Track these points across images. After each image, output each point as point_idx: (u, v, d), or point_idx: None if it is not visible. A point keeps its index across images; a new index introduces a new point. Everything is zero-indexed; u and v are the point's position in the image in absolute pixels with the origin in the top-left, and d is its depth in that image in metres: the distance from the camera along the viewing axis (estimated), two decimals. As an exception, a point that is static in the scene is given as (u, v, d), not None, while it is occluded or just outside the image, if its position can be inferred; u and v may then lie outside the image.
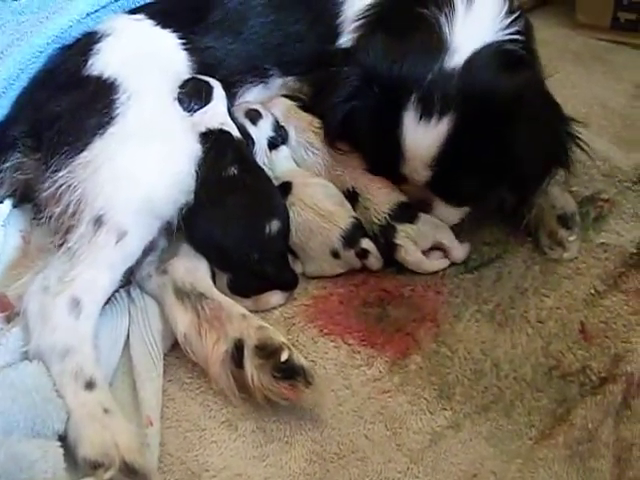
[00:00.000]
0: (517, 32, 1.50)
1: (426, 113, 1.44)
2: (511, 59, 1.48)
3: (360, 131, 1.55)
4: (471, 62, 1.45)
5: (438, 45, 1.46)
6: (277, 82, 1.75)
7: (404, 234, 1.52)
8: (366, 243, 1.53)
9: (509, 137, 1.42)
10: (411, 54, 1.46)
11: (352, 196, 1.59)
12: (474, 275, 1.56)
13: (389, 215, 1.54)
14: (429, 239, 1.53)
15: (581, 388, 1.33)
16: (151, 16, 1.66)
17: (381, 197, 1.56)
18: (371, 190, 1.57)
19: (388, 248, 1.53)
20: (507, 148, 1.42)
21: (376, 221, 1.55)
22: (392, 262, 1.55)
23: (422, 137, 1.46)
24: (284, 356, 1.25)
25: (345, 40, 1.66)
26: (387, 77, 1.46)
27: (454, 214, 1.59)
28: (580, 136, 1.52)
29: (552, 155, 1.51)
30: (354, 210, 1.57)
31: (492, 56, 1.46)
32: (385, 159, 1.54)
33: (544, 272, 1.56)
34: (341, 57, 1.57)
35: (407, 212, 1.55)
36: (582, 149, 1.53)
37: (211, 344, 1.33)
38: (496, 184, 1.54)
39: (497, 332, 1.44)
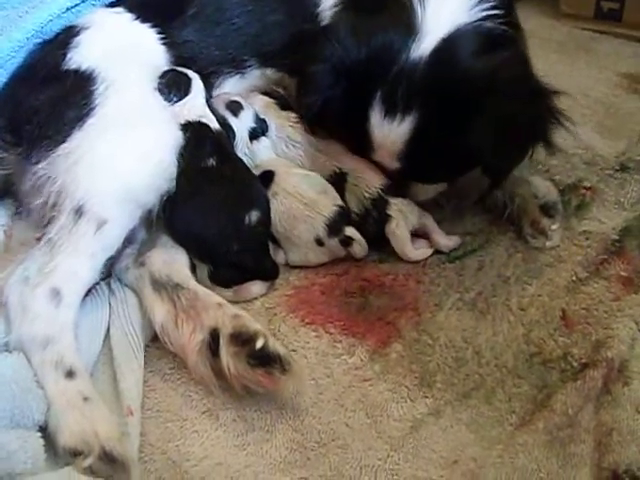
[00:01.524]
0: (494, 7, 1.47)
1: (390, 111, 1.44)
2: (487, 39, 1.46)
3: (334, 120, 1.56)
4: (438, 51, 1.43)
5: (407, 30, 1.44)
6: (255, 73, 1.74)
7: (396, 207, 1.54)
8: (350, 231, 1.53)
9: (474, 128, 1.40)
10: (379, 41, 1.45)
11: (340, 177, 1.60)
12: (456, 264, 1.57)
13: (381, 189, 1.55)
14: (416, 217, 1.55)
15: (562, 374, 1.34)
16: (130, 9, 1.66)
17: (371, 174, 1.58)
18: (359, 169, 1.59)
19: (380, 220, 1.54)
20: (476, 138, 1.41)
21: (368, 195, 1.56)
22: (378, 243, 1.56)
23: (387, 133, 1.47)
24: (259, 343, 1.25)
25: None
26: (354, 70, 1.46)
27: (430, 190, 1.60)
28: (561, 110, 1.49)
29: (524, 137, 1.50)
30: (343, 190, 1.58)
31: (464, 40, 1.45)
32: (358, 147, 1.56)
33: (526, 260, 1.57)
34: (313, 37, 1.56)
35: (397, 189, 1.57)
36: (562, 124, 1.50)
37: (188, 334, 1.32)
38: (467, 169, 1.55)
39: (479, 320, 1.44)
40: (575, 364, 1.35)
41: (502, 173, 1.53)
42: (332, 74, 1.49)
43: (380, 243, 1.55)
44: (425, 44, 1.43)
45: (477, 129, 1.40)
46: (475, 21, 1.46)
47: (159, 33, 1.64)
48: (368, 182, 1.56)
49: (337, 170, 1.61)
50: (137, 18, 1.64)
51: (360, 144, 1.55)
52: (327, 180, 1.61)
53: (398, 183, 1.57)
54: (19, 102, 1.51)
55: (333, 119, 1.56)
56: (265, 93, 1.76)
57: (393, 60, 1.43)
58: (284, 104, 1.73)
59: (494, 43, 1.46)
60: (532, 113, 1.46)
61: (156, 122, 1.50)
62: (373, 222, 1.55)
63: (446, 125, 1.42)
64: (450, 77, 1.43)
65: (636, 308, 1.45)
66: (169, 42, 1.64)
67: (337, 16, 1.60)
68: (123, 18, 1.64)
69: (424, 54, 1.43)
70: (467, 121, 1.40)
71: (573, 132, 1.52)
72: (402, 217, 1.53)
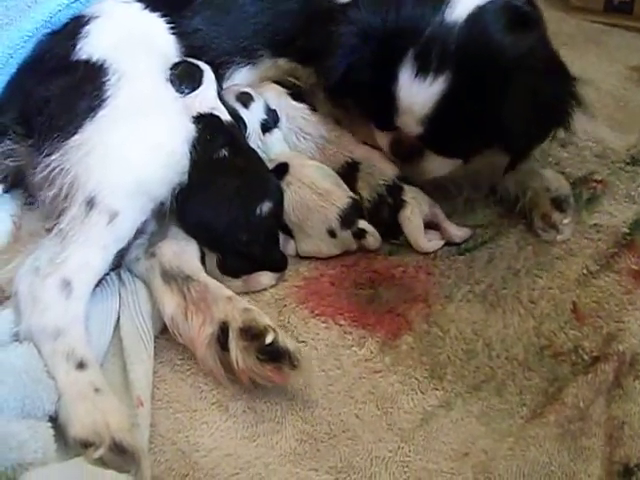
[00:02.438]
0: None
1: (422, 70, 1.43)
2: (516, 16, 1.45)
3: (358, 85, 1.54)
4: (474, 17, 1.42)
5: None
6: (267, 63, 1.73)
7: (410, 195, 1.54)
8: (363, 224, 1.53)
9: (505, 100, 1.40)
10: (409, 6, 1.45)
11: (351, 166, 1.60)
12: (466, 256, 1.56)
13: (396, 177, 1.56)
14: (427, 206, 1.55)
15: (573, 367, 1.34)
16: None
17: (384, 163, 1.59)
18: (372, 159, 1.60)
19: (395, 207, 1.54)
20: (502, 111, 1.41)
21: (382, 182, 1.56)
22: (390, 232, 1.56)
23: (416, 94, 1.45)
24: (269, 338, 1.24)
25: None
26: (383, 30, 1.46)
27: (445, 165, 1.57)
28: (583, 96, 1.49)
29: (549, 118, 1.49)
30: (355, 179, 1.58)
31: (497, 12, 1.44)
32: (380, 111, 1.54)
33: (537, 253, 1.57)
34: (335, 14, 1.55)
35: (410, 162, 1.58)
36: (583, 111, 1.50)
37: (197, 326, 1.32)
38: (489, 143, 1.53)
39: (489, 312, 1.44)
40: (586, 357, 1.35)
41: (523, 151, 1.52)
42: (359, 36, 1.48)
43: (392, 231, 1.56)
44: (459, 10, 1.42)
45: (507, 101, 1.40)
46: None
47: (169, 22, 1.63)
48: (382, 170, 1.57)
49: (349, 160, 1.61)
50: (146, 7, 1.64)
51: (383, 110, 1.52)
52: (338, 171, 1.61)
53: (412, 156, 1.56)
54: (29, 93, 1.50)
55: (356, 85, 1.54)
56: (277, 83, 1.75)
57: (426, 23, 1.43)
58: (296, 95, 1.72)
59: (522, 21, 1.45)
60: (559, 94, 1.46)
61: (168, 114, 1.49)
62: (387, 209, 1.55)
63: (477, 92, 1.41)
64: (486, 45, 1.43)
65: (647, 302, 1.44)
66: (179, 31, 1.64)
67: None
68: (132, 7, 1.64)
69: (459, 19, 1.42)
70: (498, 91, 1.40)
71: (586, 123, 1.52)
72: (416, 204, 1.53)
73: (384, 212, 1.56)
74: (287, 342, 1.26)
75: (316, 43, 1.59)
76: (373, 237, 1.54)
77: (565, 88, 1.48)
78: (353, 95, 1.61)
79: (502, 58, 1.41)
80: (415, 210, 1.53)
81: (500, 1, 1.45)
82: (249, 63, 1.72)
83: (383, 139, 1.60)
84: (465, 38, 1.42)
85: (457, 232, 1.58)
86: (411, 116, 1.49)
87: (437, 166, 1.57)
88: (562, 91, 1.47)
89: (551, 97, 1.45)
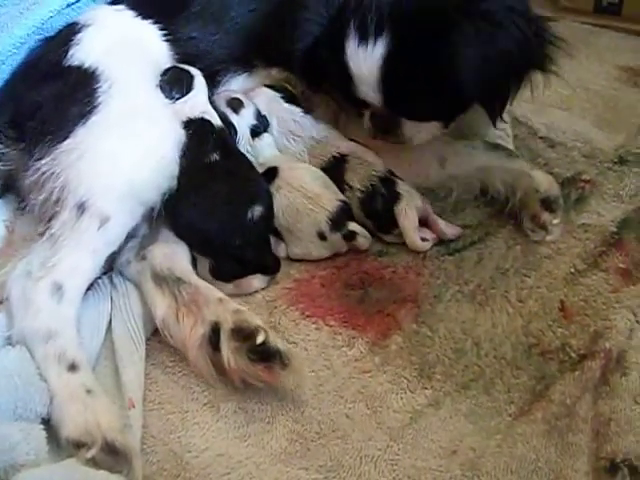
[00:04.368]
0: None
1: (362, 38, 1.45)
2: None
3: (324, 68, 1.59)
4: None
5: None
6: (261, 72, 1.75)
7: (404, 187, 1.56)
8: (353, 226, 1.55)
9: (452, 51, 1.39)
10: None
11: (339, 160, 1.63)
12: (455, 257, 1.57)
13: (388, 171, 1.58)
14: (420, 200, 1.57)
15: (560, 365, 1.35)
16: (132, 7, 1.66)
17: (372, 157, 1.62)
18: (359, 152, 1.63)
19: (389, 198, 1.55)
20: (451, 63, 1.40)
21: (375, 173, 1.58)
22: (385, 226, 1.58)
23: (363, 62, 1.47)
24: (260, 339, 1.25)
25: None
26: (330, 9, 1.52)
27: (424, 129, 1.58)
28: (555, 34, 1.48)
29: (516, 63, 1.46)
30: (344, 171, 1.60)
31: None
32: (345, 88, 1.56)
33: (525, 252, 1.58)
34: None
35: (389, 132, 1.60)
36: (559, 48, 1.48)
37: (189, 328, 1.33)
38: (456, 103, 1.53)
39: (478, 312, 1.45)
40: (573, 355, 1.36)
41: (494, 107, 1.51)
42: (313, 19, 1.55)
43: (385, 224, 1.57)
44: None
45: (454, 58, 1.39)
46: None
47: (162, 29, 1.65)
48: (371, 163, 1.60)
49: (336, 154, 1.63)
50: (139, 15, 1.65)
51: (344, 85, 1.55)
52: (326, 166, 1.63)
53: (390, 126, 1.57)
54: (21, 98, 1.52)
55: (323, 68, 1.59)
56: (270, 86, 1.77)
57: None
58: (290, 98, 1.74)
59: None
60: (518, 41, 1.42)
61: (159, 120, 1.51)
62: (381, 200, 1.56)
63: (420, 50, 1.41)
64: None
65: (634, 299, 1.46)
66: (172, 39, 1.65)
67: None
68: (125, 15, 1.65)
69: None
70: (442, 48, 1.39)
71: (575, 123, 1.51)
72: (410, 197, 1.54)
73: (378, 203, 1.57)
74: (278, 342, 1.28)
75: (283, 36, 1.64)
76: (363, 238, 1.56)
77: (525, 28, 1.43)
78: (325, 78, 1.64)
79: (438, 9, 1.41)
80: (410, 203, 1.55)
81: None
82: (245, 72, 1.74)
83: (365, 120, 1.62)
84: None
85: (447, 229, 1.59)
86: (365, 85, 1.51)
87: (417, 132, 1.58)
88: (521, 32, 1.42)
89: (507, 41, 1.41)
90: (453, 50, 1.39)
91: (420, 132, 1.58)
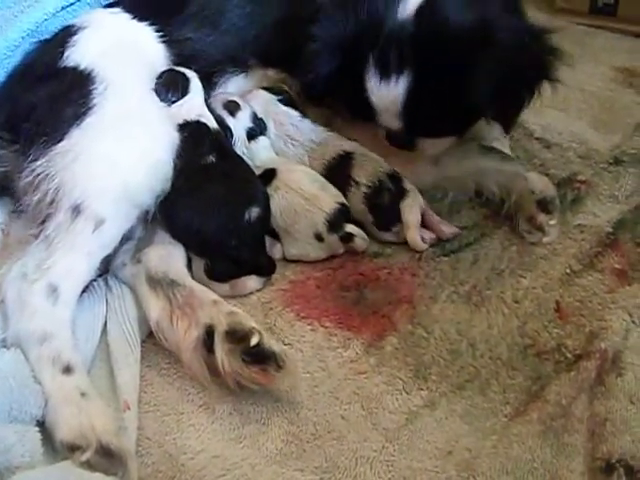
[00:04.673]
0: None
1: (384, 74, 1.47)
2: None
3: (336, 96, 1.61)
4: (424, 8, 1.45)
5: None
6: (258, 73, 1.76)
7: (410, 186, 1.57)
8: (350, 227, 1.55)
9: (474, 83, 1.42)
10: (365, 9, 1.48)
11: (345, 157, 1.63)
12: (451, 258, 1.58)
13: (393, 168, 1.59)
14: (421, 200, 1.57)
15: (556, 365, 1.35)
16: (128, 9, 1.67)
17: (376, 156, 1.62)
18: (363, 151, 1.63)
19: (396, 194, 1.56)
20: (474, 94, 1.43)
21: (381, 169, 1.59)
22: (388, 220, 1.58)
23: (386, 96, 1.50)
24: (254, 341, 1.25)
25: None
26: (346, 42, 1.50)
27: (440, 143, 1.62)
28: (556, 46, 1.51)
29: (528, 81, 1.51)
30: (353, 167, 1.61)
31: None
32: (364, 114, 1.58)
33: (521, 253, 1.58)
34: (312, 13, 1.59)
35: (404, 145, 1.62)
36: (561, 59, 1.51)
37: (183, 331, 1.33)
38: (472, 121, 1.57)
39: (473, 313, 1.45)
40: (569, 355, 1.36)
41: (509, 120, 1.56)
42: (326, 51, 1.52)
43: (388, 219, 1.58)
44: (410, 3, 1.46)
45: (474, 85, 1.42)
46: None
47: (157, 31, 1.65)
48: (376, 160, 1.61)
49: (341, 152, 1.64)
50: (135, 17, 1.65)
51: (364, 112, 1.57)
52: (330, 165, 1.63)
53: (407, 143, 1.61)
54: (17, 99, 1.52)
55: (335, 94, 1.60)
56: (269, 89, 1.77)
57: (381, 24, 1.46)
58: (287, 101, 1.74)
59: None
60: (529, 58, 1.47)
61: (154, 122, 1.51)
62: (389, 195, 1.56)
63: (441, 82, 1.44)
64: (437, 33, 1.45)
65: (629, 300, 1.46)
66: (168, 40, 1.65)
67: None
68: (120, 17, 1.65)
69: (410, 13, 1.45)
70: (462, 77, 1.42)
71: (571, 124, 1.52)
72: (416, 195, 1.56)
73: (384, 198, 1.57)
74: (272, 344, 1.28)
75: (294, 59, 1.63)
76: (361, 239, 1.56)
77: (534, 48, 1.48)
78: (338, 100, 1.65)
79: (455, 42, 1.43)
80: (416, 200, 1.56)
81: None
82: (242, 72, 1.75)
83: (379, 131, 1.64)
84: (417, 32, 1.44)
85: (446, 228, 1.60)
86: (388, 115, 1.54)
87: (432, 145, 1.61)
88: (531, 52, 1.47)
89: (520, 64, 1.45)
90: (471, 78, 1.43)
91: (435, 145, 1.62)
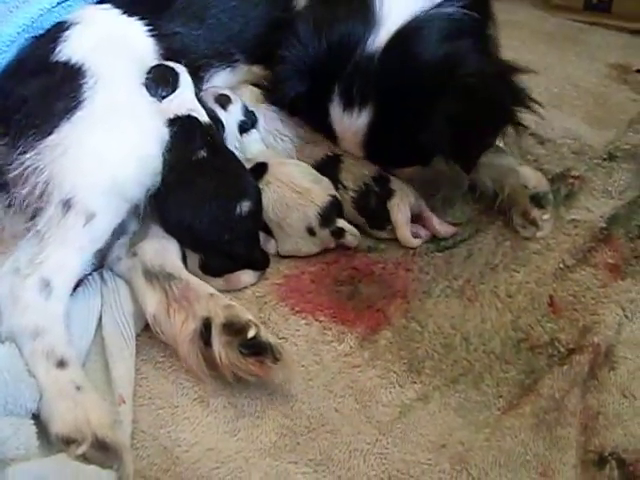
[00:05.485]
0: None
1: (348, 105, 1.49)
2: (445, 26, 1.46)
3: (304, 114, 1.62)
4: (392, 44, 1.45)
5: (364, 21, 1.46)
6: (243, 68, 1.76)
7: (397, 184, 1.57)
8: (342, 223, 1.55)
9: (432, 124, 1.43)
10: (336, 35, 1.48)
11: (333, 159, 1.63)
12: (445, 253, 1.58)
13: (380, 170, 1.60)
14: (414, 197, 1.58)
15: (549, 359, 1.36)
16: (118, 5, 1.67)
17: (363, 160, 1.62)
18: (351, 155, 1.62)
19: (383, 195, 1.56)
20: (430, 134, 1.44)
21: (367, 172, 1.59)
22: (378, 222, 1.59)
23: (348, 127, 1.52)
24: (251, 333, 1.26)
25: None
26: (314, 67, 1.50)
27: (405, 172, 1.62)
28: (524, 90, 1.50)
29: (489, 126, 1.51)
30: (338, 171, 1.61)
31: (419, 31, 1.46)
32: (329, 136, 1.60)
33: (514, 248, 1.59)
34: (284, 25, 1.59)
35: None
36: (527, 105, 1.50)
37: (179, 323, 1.34)
38: (433, 157, 1.57)
39: (467, 307, 1.46)
40: (562, 349, 1.37)
41: (468, 162, 1.54)
42: (294, 73, 1.53)
43: (378, 221, 1.58)
44: (380, 36, 1.45)
45: (432, 125, 1.43)
46: (434, 7, 1.47)
47: (147, 25, 1.65)
48: (364, 163, 1.61)
49: (329, 154, 1.64)
50: (124, 12, 1.65)
51: (328, 135, 1.59)
52: (319, 164, 1.63)
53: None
54: (8, 92, 1.51)
55: (302, 113, 1.62)
56: (257, 85, 1.77)
57: (350, 54, 1.47)
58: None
59: (453, 29, 1.47)
60: (493, 102, 1.46)
61: (143, 117, 1.51)
62: (375, 197, 1.57)
63: (402, 119, 1.46)
64: (402, 72, 1.46)
65: (622, 294, 1.47)
66: (157, 34, 1.65)
67: (304, 10, 1.62)
68: (111, 13, 1.65)
69: (379, 47, 1.45)
70: (422, 116, 1.43)
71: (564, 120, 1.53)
72: (403, 193, 1.55)
73: (371, 201, 1.58)
74: (269, 337, 1.29)
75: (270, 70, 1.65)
76: (352, 236, 1.56)
77: (500, 91, 1.48)
78: (305, 119, 1.66)
79: (418, 83, 1.44)
80: (404, 199, 1.56)
81: (428, 14, 1.47)
82: (227, 67, 1.75)
83: None
84: (382, 68, 1.45)
85: (441, 227, 1.61)
86: (350, 143, 1.56)
87: (399, 172, 1.62)
88: (496, 96, 1.47)
89: (482, 109, 1.45)
90: (430, 116, 1.44)
91: (401, 172, 1.62)
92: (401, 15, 1.46)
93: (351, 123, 1.51)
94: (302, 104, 1.58)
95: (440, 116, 1.42)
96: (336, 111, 1.51)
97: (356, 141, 1.54)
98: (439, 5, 1.47)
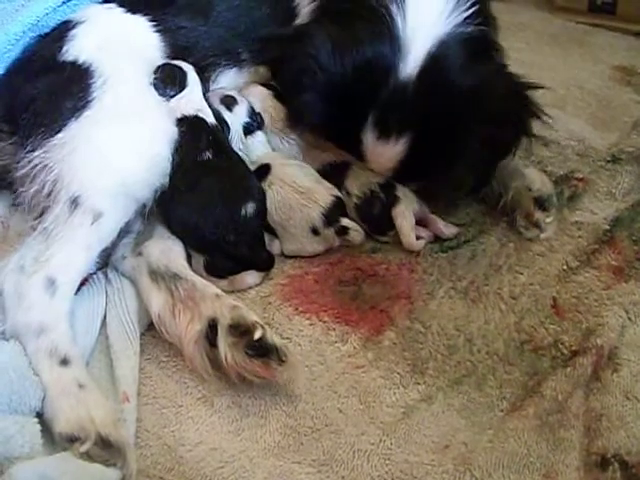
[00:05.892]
0: (470, 5, 1.48)
1: (383, 135, 1.48)
2: (467, 47, 1.47)
3: (328, 139, 1.61)
4: (425, 70, 1.44)
5: (391, 45, 1.44)
6: (250, 68, 1.75)
7: (402, 192, 1.57)
8: (345, 221, 1.55)
9: (467, 146, 1.45)
10: (363, 62, 1.45)
11: (341, 165, 1.63)
12: (448, 254, 1.58)
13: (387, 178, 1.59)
14: (417, 204, 1.58)
15: (552, 361, 1.36)
16: (121, 4, 1.67)
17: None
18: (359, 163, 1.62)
19: (387, 203, 1.56)
20: (459, 156, 1.47)
21: (374, 180, 1.58)
22: (380, 229, 1.59)
23: (382, 152, 1.52)
24: (257, 334, 1.26)
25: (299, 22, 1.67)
26: (341, 90, 1.47)
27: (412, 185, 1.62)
28: (538, 104, 1.53)
29: (511, 141, 1.54)
30: (344, 177, 1.60)
31: (447, 54, 1.45)
32: (353, 154, 1.59)
33: (518, 250, 1.59)
34: (289, 40, 1.58)
35: None
36: (541, 118, 1.54)
37: (185, 324, 1.34)
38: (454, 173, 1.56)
39: (471, 308, 1.46)
40: (565, 351, 1.37)
41: (488, 177, 1.58)
42: (319, 100, 1.51)
43: (380, 227, 1.59)
44: (410, 63, 1.44)
45: (467, 149, 1.45)
46: (454, 27, 1.47)
47: (151, 21, 1.65)
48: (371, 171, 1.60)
49: (337, 160, 1.63)
50: (128, 10, 1.66)
51: (354, 154, 1.58)
52: (325, 169, 1.63)
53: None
54: (16, 91, 1.52)
55: (327, 138, 1.61)
56: (266, 85, 1.76)
57: (381, 81, 1.45)
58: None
59: (476, 50, 1.48)
60: (518, 122, 1.51)
61: (152, 116, 1.51)
62: (379, 204, 1.57)
63: (440, 146, 1.47)
64: (438, 100, 1.46)
65: (626, 297, 1.46)
66: (162, 29, 1.65)
67: (313, 21, 1.61)
68: (116, 12, 1.66)
69: (412, 74, 1.44)
70: (459, 141, 1.45)
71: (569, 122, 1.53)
72: (408, 201, 1.56)
73: (375, 208, 1.58)
74: (275, 338, 1.29)
75: (284, 79, 1.64)
76: (356, 232, 1.56)
77: (521, 109, 1.52)
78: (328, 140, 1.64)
79: (455, 106, 1.45)
80: (409, 206, 1.56)
81: (451, 36, 1.46)
82: (235, 66, 1.74)
83: None
84: (420, 96, 1.45)
85: (446, 229, 1.61)
86: (379, 165, 1.56)
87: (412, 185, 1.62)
88: (518, 114, 1.51)
89: (508, 127, 1.49)
90: (469, 142, 1.45)
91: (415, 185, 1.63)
92: (426, 38, 1.44)
93: (386, 150, 1.50)
94: (326, 129, 1.57)
95: (475, 140, 1.44)
96: (370, 139, 1.50)
97: (389, 166, 1.54)
98: (458, 25, 1.47)
